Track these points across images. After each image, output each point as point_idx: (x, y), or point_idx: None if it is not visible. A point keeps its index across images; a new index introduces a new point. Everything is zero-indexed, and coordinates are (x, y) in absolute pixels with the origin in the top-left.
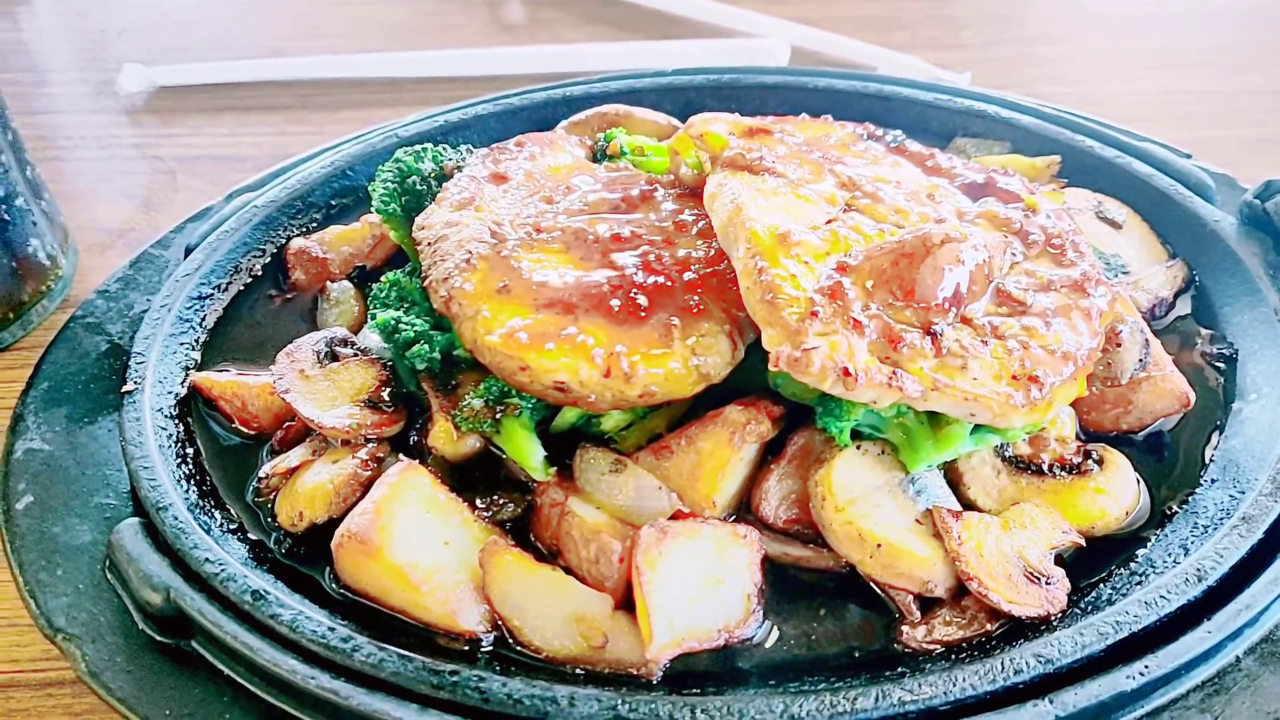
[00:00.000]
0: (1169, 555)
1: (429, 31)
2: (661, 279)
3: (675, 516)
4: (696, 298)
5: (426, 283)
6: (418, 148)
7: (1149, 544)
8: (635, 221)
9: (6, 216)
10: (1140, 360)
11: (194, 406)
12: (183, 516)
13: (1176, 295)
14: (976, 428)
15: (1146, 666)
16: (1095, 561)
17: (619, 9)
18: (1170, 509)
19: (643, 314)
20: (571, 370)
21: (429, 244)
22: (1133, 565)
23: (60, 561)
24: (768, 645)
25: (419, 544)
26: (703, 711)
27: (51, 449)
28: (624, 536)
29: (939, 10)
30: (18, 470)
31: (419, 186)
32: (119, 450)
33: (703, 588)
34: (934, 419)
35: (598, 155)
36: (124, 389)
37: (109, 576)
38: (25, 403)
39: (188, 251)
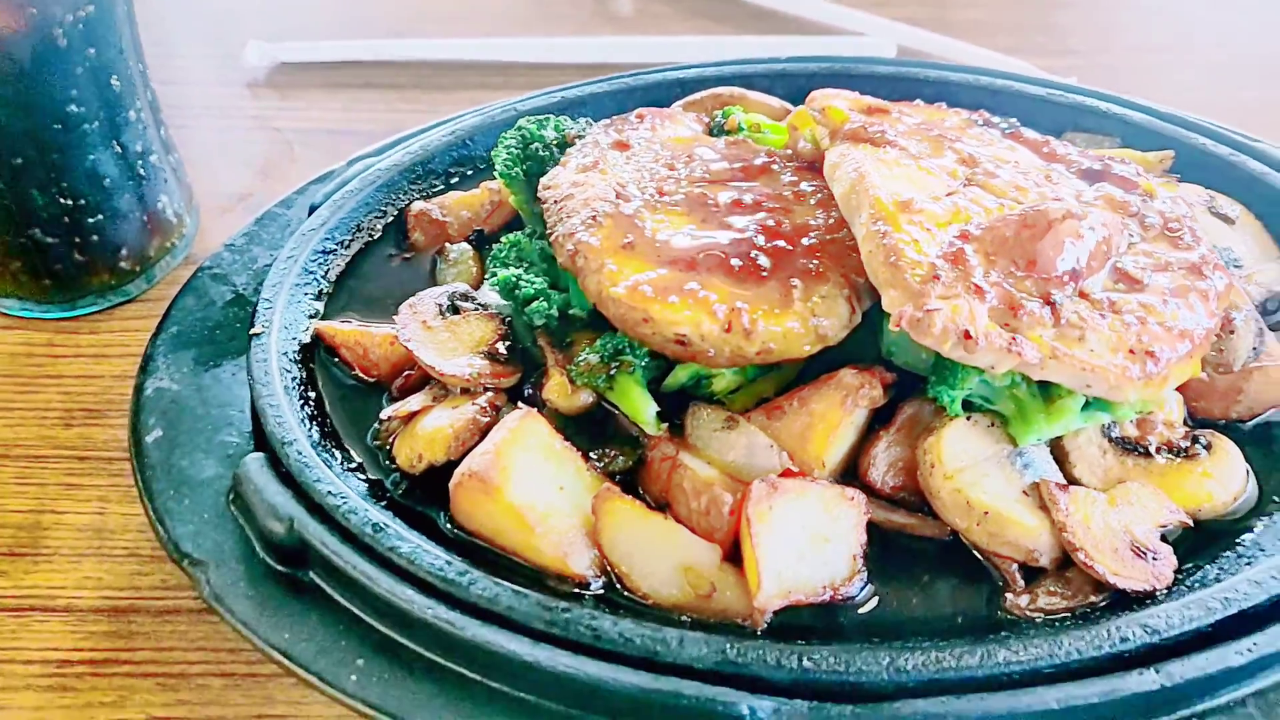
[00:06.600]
0: (1278, 540)
1: (536, 21)
2: (782, 242)
3: (784, 475)
4: (816, 261)
5: (552, 238)
6: (540, 116)
7: (1256, 530)
8: (755, 189)
9: (142, 171)
10: (1254, 348)
11: (316, 353)
12: (306, 452)
13: None
14: (1087, 405)
15: (1255, 643)
16: (1201, 544)
17: (726, 5)
18: (1279, 499)
19: (764, 274)
20: (694, 323)
21: (555, 201)
22: (1239, 549)
23: (187, 492)
24: (870, 607)
25: (536, 487)
26: (809, 659)
27: (179, 388)
28: (735, 490)
29: (1046, 17)
30: (148, 406)
31: (541, 153)
32: (241, 393)
33: (810, 544)
34: (1045, 392)
35: (714, 132)
36: (252, 331)
37: (232, 508)
38: (155, 344)
39: (312, 209)
